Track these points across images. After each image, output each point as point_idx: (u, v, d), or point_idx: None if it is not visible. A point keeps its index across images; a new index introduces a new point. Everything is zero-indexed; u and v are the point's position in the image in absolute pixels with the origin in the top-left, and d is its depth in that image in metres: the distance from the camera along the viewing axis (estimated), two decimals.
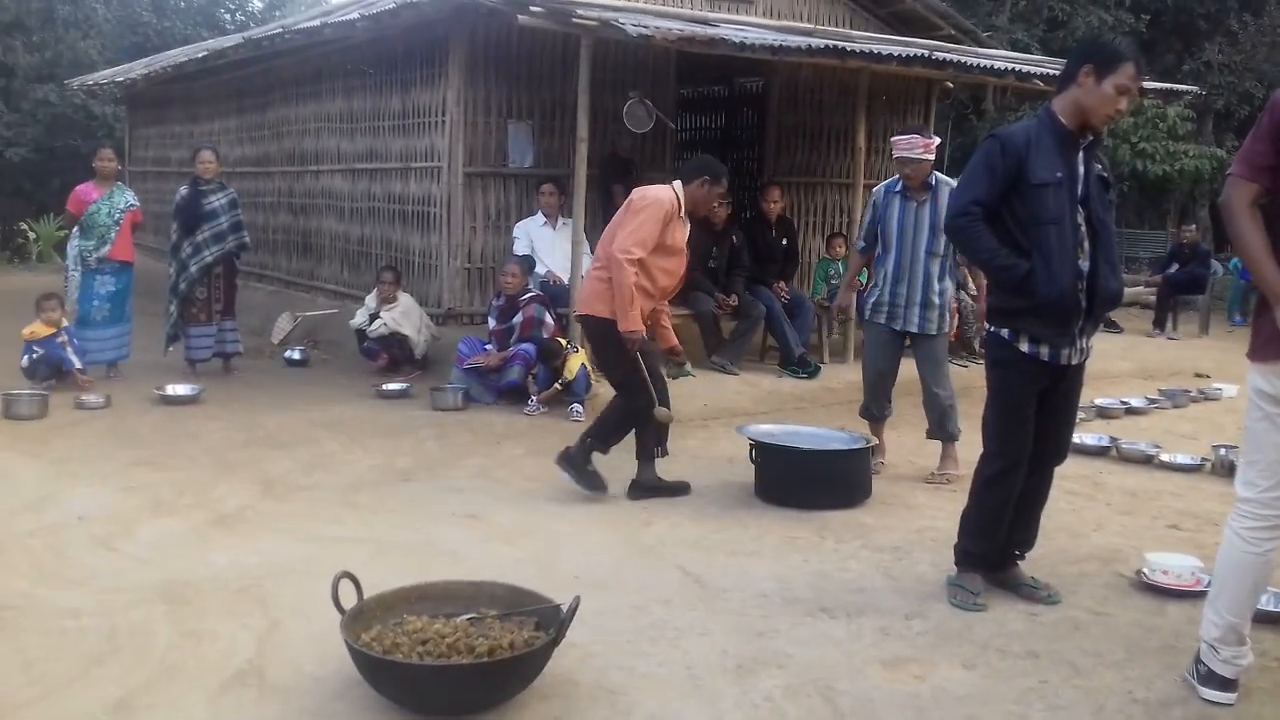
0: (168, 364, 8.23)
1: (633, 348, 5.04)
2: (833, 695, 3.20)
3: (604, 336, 5.18)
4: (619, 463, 5.40)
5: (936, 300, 5.65)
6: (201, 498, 5.10)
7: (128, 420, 6.70)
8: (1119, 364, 9.88)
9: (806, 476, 5.20)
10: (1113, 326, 12.05)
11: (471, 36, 8.20)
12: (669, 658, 3.44)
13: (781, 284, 8.81)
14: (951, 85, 11.03)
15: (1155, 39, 19.07)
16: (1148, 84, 9.93)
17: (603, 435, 5.29)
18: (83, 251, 7.99)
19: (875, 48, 7.77)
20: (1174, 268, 12.74)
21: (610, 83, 8.54)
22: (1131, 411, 7.80)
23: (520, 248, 7.95)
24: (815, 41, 7.68)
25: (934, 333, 5.69)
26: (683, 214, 5.16)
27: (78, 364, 7.51)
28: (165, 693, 3.12)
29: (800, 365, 8.32)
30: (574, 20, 6.76)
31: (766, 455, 5.32)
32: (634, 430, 5.30)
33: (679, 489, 5.34)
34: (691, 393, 7.62)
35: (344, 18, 9.06)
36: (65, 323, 7.64)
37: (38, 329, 7.49)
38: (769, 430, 5.60)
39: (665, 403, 5.27)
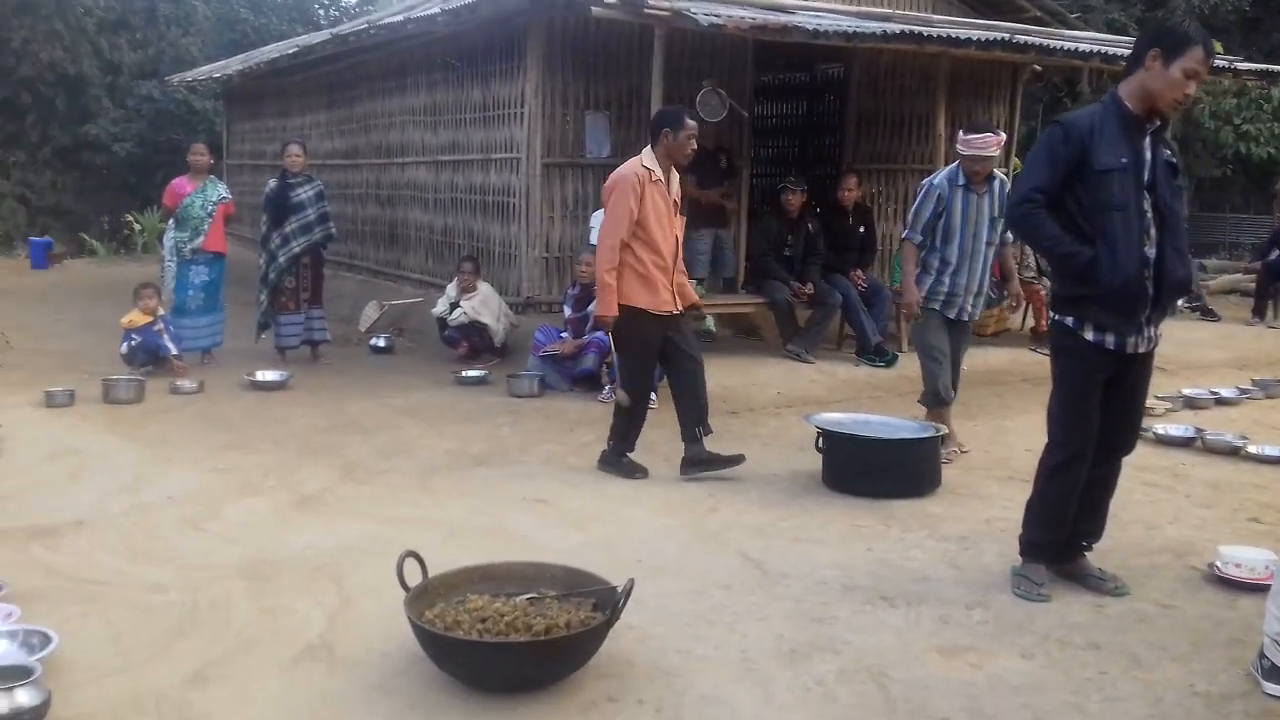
0: (258, 351, 8.54)
1: (606, 327, 5.46)
2: (886, 681, 3.22)
3: (618, 322, 5.44)
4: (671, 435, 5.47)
5: (985, 288, 5.90)
6: (285, 480, 5.31)
7: (219, 405, 6.99)
8: (1213, 354, 9.58)
9: (874, 465, 5.19)
10: (1210, 315, 11.68)
11: (549, 29, 8.31)
12: (725, 641, 3.49)
13: (859, 272, 8.75)
14: (1040, 68, 10.79)
15: (1261, 17, 18.35)
16: (1245, 65, 9.60)
17: (620, 434, 5.54)
18: (178, 242, 8.33)
19: (953, 32, 7.66)
20: (1275, 254, 12.26)
21: (687, 71, 8.58)
22: (1221, 402, 7.56)
23: (596, 237, 8.03)
24: (891, 27, 7.60)
25: (977, 317, 6.09)
26: (657, 177, 5.29)
27: (174, 351, 7.84)
28: (240, 665, 3.28)
29: (877, 354, 8.27)
30: (646, 11, 6.82)
31: (834, 443, 5.32)
32: (676, 412, 5.50)
33: (733, 460, 5.44)
34: (766, 381, 7.66)
35: (426, 12, 9.25)
36: (162, 311, 7.98)
37: (136, 317, 7.84)
38: (837, 418, 5.60)
39: (694, 378, 5.48)
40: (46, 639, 3.21)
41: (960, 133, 5.78)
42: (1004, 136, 5.83)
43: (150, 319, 7.84)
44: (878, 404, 7.09)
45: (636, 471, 5.46)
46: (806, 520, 4.80)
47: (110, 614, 3.63)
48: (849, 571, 4.14)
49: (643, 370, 5.53)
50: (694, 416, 5.45)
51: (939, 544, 4.49)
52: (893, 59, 9.73)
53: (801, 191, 8.59)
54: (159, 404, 6.97)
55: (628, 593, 3.21)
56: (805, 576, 4.08)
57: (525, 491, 5.18)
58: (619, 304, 5.31)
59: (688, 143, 5.30)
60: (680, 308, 5.47)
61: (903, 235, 5.99)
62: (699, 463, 5.41)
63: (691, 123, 5.33)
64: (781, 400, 7.33)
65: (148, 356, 7.80)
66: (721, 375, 7.64)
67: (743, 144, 9.34)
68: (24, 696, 2.83)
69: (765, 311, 8.66)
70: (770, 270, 8.51)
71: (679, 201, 5.46)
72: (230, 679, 3.18)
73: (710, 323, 6.14)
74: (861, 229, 9.00)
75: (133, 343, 7.80)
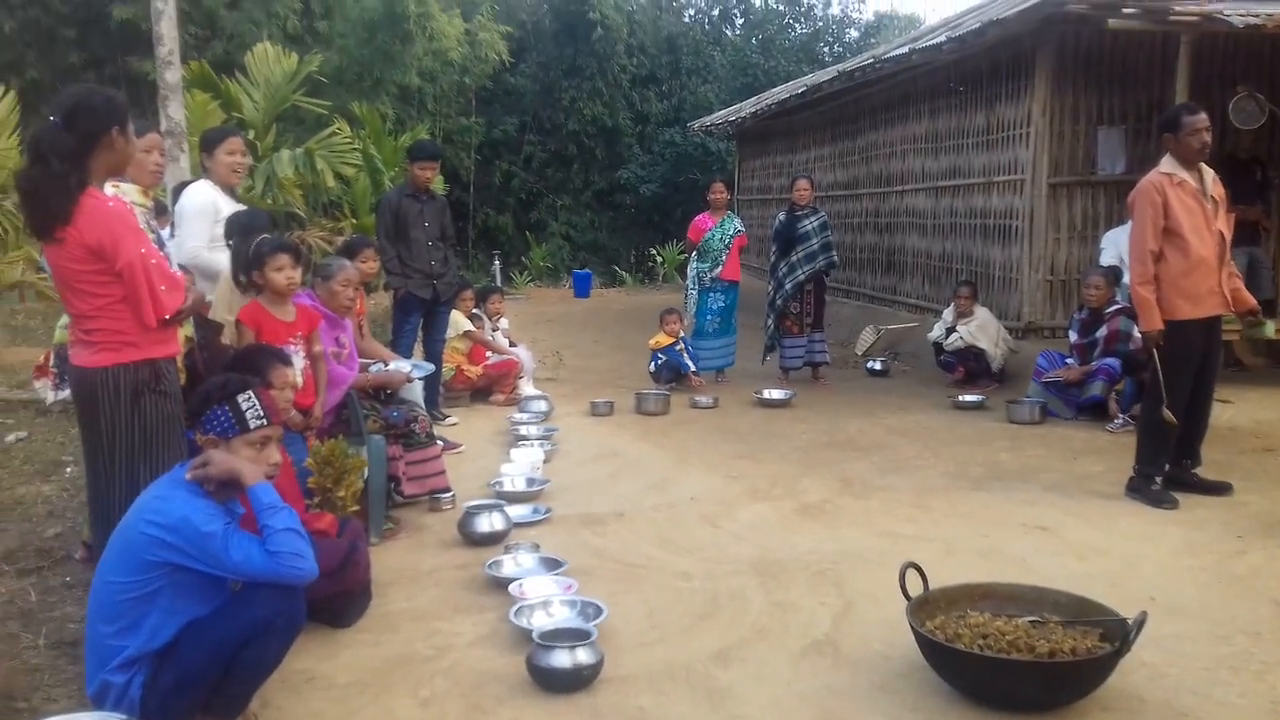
0: (764, 371, 9.16)
1: (1149, 344, 5.18)
2: None
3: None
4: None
5: None
6: (789, 489, 5.70)
7: (731, 419, 7.62)
8: None
9: None
10: None
11: (1059, 46, 8.07)
12: (1251, 690, 3.24)
13: None
14: None
15: None
16: None
17: (1146, 457, 5.33)
18: (699, 272, 9.19)
19: None
20: None
21: (1218, 76, 7.90)
22: None
23: (1107, 258, 7.63)
24: None
25: None
26: (1180, 179, 5.05)
27: (693, 369, 8.69)
28: (756, 650, 3.63)
29: None
30: (1171, 18, 6.40)
31: None
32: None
33: (1219, 488, 5.30)
34: None
35: (931, 42, 9.38)
36: (683, 333, 8.87)
37: (661, 339, 8.80)
38: None
39: (1188, 405, 5.22)
40: (599, 609, 3.77)
41: None
42: None
43: (673, 340, 8.75)
44: None
45: (1165, 500, 5.19)
46: None
47: (646, 593, 4.18)
48: None
49: (1180, 385, 5.22)
50: (1184, 442, 5.30)
51: None
52: None
53: None
54: (681, 416, 7.76)
55: (1140, 625, 3.11)
56: None
57: (1024, 517, 5.09)
58: (1160, 318, 5.19)
59: (1191, 140, 5.07)
60: (1233, 310, 5.28)
61: None
62: (1178, 483, 5.29)
63: (1189, 118, 5.08)
64: None
65: (671, 373, 8.71)
66: (1255, 408, 6.94)
67: None
68: (584, 655, 3.37)
69: None
70: None
71: (1218, 199, 5.17)
72: (748, 661, 3.54)
73: (1270, 328, 5.68)
74: None
75: (659, 361, 8.76)
